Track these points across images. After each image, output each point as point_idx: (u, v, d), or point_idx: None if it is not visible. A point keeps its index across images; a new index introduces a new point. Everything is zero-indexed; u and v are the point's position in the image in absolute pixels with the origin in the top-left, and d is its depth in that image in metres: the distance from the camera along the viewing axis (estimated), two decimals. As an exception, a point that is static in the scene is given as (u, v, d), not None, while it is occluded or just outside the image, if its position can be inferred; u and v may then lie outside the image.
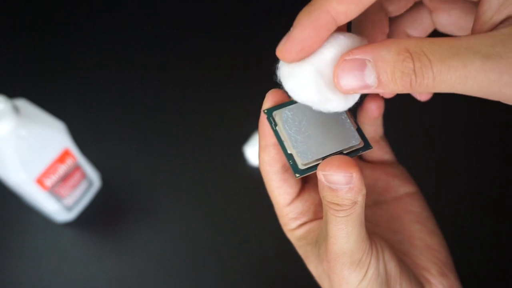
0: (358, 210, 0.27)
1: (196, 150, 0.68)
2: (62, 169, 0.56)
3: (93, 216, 0.63)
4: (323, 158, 0.27)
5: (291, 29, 0.26)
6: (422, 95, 0.33)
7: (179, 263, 0.61)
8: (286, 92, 0.28)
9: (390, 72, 0.23)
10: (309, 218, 0.32)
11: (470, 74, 0.22)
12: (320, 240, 0.30)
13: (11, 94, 0.54)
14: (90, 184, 0.63)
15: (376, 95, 0.32)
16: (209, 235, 0.62)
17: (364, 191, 0.26)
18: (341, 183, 0.26)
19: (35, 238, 0.62)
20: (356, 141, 0.28)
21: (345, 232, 0.27)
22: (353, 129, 0.28)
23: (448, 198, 0.60)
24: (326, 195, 0.26)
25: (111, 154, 0.68)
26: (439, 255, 0.33)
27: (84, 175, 0.60)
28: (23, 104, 0.53)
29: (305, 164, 0.28)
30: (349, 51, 0.24)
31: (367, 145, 0.28)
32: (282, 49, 0.26)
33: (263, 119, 0.29)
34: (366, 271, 0.29)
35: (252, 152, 0.65)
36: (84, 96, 0.72)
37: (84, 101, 0.72)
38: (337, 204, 0.26)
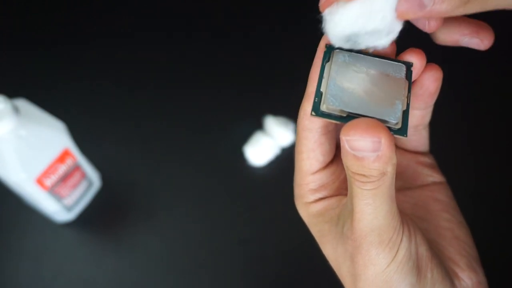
0: (387, 182, 0.24)
1: (196, 150, 0.68)
2: (62, 169, 0.56)
3: (93, 216, 0.63)
4: (349, 114, 0.25)
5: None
6: (431, 24, 0.28)
7: (179, 263, 0.61)
8: None
9: None
10: (330, 193, 0.29)
11: None
12: (344, 216, 0.27)
13: (11, 94, 0.54)
14: (90, 184, 0.63)
15: (434, 66, 0.28)
16: (209, 235, 0.62)
17: (394, 160, 0.23)
18: (368, 149, 0.23)
19: (35, 238, 0.62)
20: (394, 120, 0.24)
21: (372, 207, 0.24)
22: (399, 107, 0.25)
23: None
24: (351, 164, 0.24)
25: (111, 154, 0.67)
26: (468, 248, 0.30)
27: (84, 175, 0.60)
28: (23, 104, 0.53)
29: (329, 109, 0.25)
30: None
31: (403, 131, 0.25)
32: None
33: (319, 54, 0.27)
34: (397, 252, 0.26)
35: (252, 152, 0.65)
36: (84, 96, 0.72)
37: (84, 101, 0.72)
38: (364, 176, 0.23)
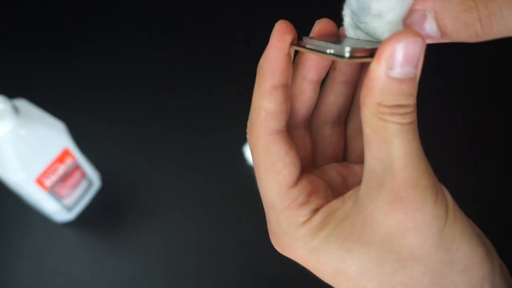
0: (416, 125, 0.21)
1: (196, 150, 0.68)
2: (61, 169, 0.56)
3: (93, 216, 0.63)
4: (372, 50, 0.22)
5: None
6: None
7: (178, 263, 0.61)
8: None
9: (452, 24, 0.20)
10: (321, 201, 0.25)
11: None
12: (371, 189, 0.22)
13: (11, 94, 0.54)
14: (90, 184, 0.63)
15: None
16: (209, 235, 0.62)
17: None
18: (414, 63, 0.20)
19: (35, 238, 0.62)
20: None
21: (416, 145, 0.21)
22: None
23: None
24: (390, 94, 0.21)
25: (111, 154, 0.68)
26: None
27: (83, 175, 0.60)
28: (22, 104, 0.53)
29: (351, 51, 0.22)
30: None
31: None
32: None
33: (278, 50, 0.24)
34: (447, 207, 0.22)
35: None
36: (84, 96, 0.72)
37: (84, 101, 0.72)
38: (402, 106, 0.21)
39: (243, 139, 0.66)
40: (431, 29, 0.21)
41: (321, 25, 0.25)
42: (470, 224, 0.24)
